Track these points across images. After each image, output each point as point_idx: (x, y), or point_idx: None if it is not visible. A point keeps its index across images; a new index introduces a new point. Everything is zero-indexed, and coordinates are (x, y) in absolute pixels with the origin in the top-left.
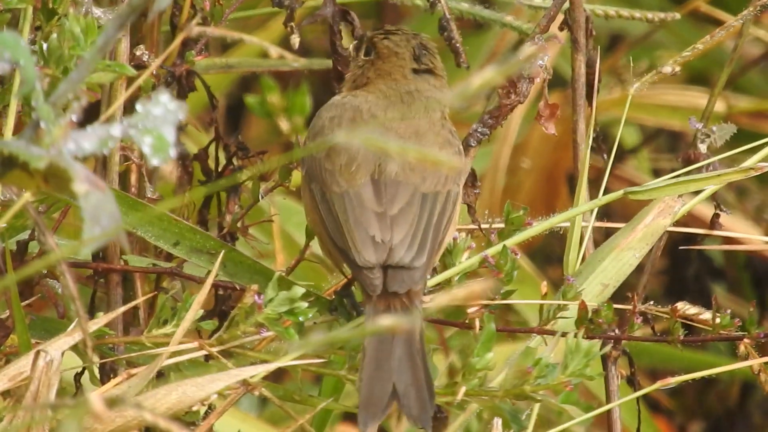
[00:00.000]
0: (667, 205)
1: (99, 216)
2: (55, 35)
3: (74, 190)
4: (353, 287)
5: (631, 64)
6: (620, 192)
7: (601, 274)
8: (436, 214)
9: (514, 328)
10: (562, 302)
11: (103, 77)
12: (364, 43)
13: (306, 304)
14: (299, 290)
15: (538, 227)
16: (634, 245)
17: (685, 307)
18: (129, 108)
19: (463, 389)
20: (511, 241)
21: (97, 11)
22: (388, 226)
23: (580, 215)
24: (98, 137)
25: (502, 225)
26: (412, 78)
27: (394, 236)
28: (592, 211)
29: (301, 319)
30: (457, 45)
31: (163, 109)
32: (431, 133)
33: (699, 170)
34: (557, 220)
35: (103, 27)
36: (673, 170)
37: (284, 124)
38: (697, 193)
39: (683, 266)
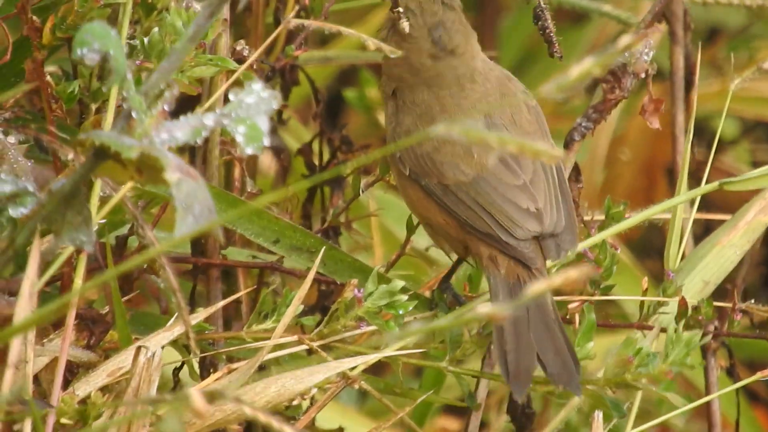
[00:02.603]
0: (767, 202)
1: (191, 204)
2: (156, 29)
3: (166, 179)
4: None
5: (732, 58)
6: (716, 183)
7: (702, 271)
8: (557, 178)
9: (614, 323)
10: (662, 299)
11: (204, 71)
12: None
13: (406, 297)
14: (399, 283)
15: (636, 218)
16: (736, 242)
17: None
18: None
19: None
20: (608, 233)
21: (197, 5)
22: (532, 195)
23: (681, 207)
24: (191, 127)
25: (602, 218)
26: (432, 66)
27: (539, 204)
28: (692, 203)
29: (401, 312)
30: (551, 34)
31: (257, 98)
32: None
33: None
34: (656, 211)
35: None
36: None
37: (382, 118)
38: None
39: None
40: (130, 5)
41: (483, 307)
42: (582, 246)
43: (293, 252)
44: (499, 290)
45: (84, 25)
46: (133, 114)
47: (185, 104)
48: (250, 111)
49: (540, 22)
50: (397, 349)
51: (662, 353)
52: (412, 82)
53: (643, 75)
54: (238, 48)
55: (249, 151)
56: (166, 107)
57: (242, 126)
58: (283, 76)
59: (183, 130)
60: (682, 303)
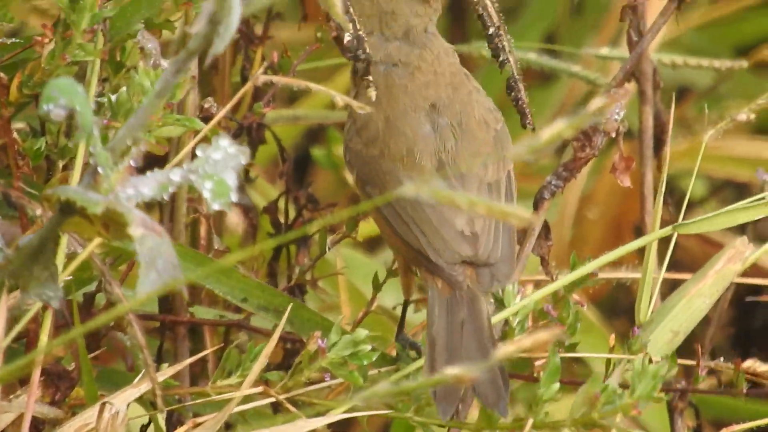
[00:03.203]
0: (737, 251)
1: (155, 260)
2: (124, 88)
3: (130, 234)
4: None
5: (706, 113)
6: (669, 228)
7: (672, 321)
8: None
9: (579, 381)
10: (627, 357)
11: (172, 131)
12: None
13: (369, 347)
14: (362, 333)
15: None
16: (705, 292)
17: (755, 365)
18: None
19: (530, 422)
20: (566, 281)
21: (165, 63)
22: (470, 218)
23: (651, 262)
24: (157, 182)
25: (569, 275)
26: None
27: (476, 230)
28: (661, 262)
29: (365, 362)
30: (524, 106)
31: (224, 154)
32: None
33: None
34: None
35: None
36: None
37: (350, 177)
38: (763, 241)
39: (750, 318)
40: (98, 63)
41: (451, 369)
42: (544, 291)
43: (261, 310)
44: (435, 305)
45: (51, 81)
46: (100, 170)
47: (152, 163)
48: (217, 167)
49: (513, 93)
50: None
51: (630, 387)
52: (367, 23)
53: (613, 134)
54: (206, 105)
55: (216, 206)
56: (132, 163)
57: (209, 182)
58: (249, 134)
59: (149, 185)
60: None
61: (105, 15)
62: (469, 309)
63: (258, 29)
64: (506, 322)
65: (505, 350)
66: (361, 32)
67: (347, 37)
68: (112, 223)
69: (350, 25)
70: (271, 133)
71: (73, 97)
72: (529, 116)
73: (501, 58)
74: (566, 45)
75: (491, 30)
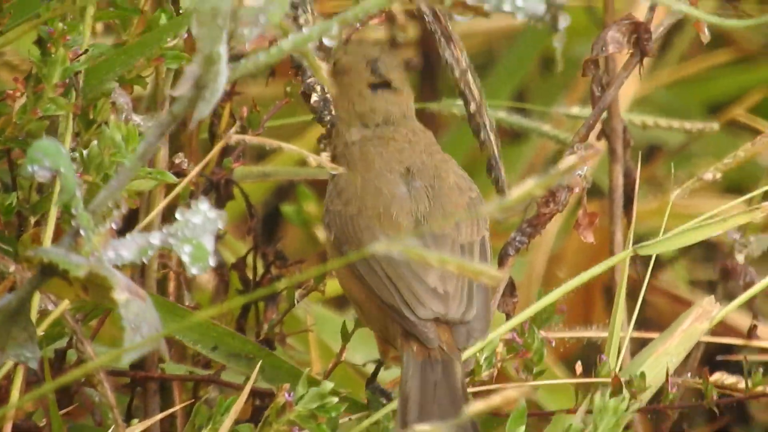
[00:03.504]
0: (704, 311)
1: (140, 324)
2: (95, 142)
3: (114, 299)
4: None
5: (672, 172)
6: (629, 250)
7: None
8: None
9: (545, 412)
10: (596, 380)
11: (143, 185)
12: (331, 60)
13: (336, 399)
14: (328, 385)
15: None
16: (672, 350)
17: (723, 377)
18: (167, 215)
19: None
20: (532, 310)
21: (137, 118)
22: (443, 277)
23: (619, 322)
24: (137, 245)
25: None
26: (369, 96)
27: (448, 289)
28: (629, 321)
29: (333, 414)
30: (504, 186)
31: (203, 218)
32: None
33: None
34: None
35: (144, 135)
36: (710, 281)
37: (321, 233)
38: (731, 300)
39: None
40: (71, 117)
41: (423, 426)
42: (511, 323)
43: (231, 359)
44: (409, 367)
45: (35, 143)
46: (81, 232)
47: (125, 218)
48: (196, 231)
49: (493, 173)
50: None
51: (591, 425)
52: (348, 120)
53: (577, 189)
54: (177, 161)
55: (194, 270)
56: (113, 225)
57: (188, 246)
58: (218, 191)
59: (129, 249)
60: (615, 380)
61: (76, 69)
62: (443, 370)
63: (226, 85)
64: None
65: (475, 408)
66: (327, 94)
67: (314, 98)
68: (93, 286)
69: (318, 87)
70: (239, 189)
71: (57, 159)
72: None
73: (482, 137)
74: (537, 103)
75: (473, 108)
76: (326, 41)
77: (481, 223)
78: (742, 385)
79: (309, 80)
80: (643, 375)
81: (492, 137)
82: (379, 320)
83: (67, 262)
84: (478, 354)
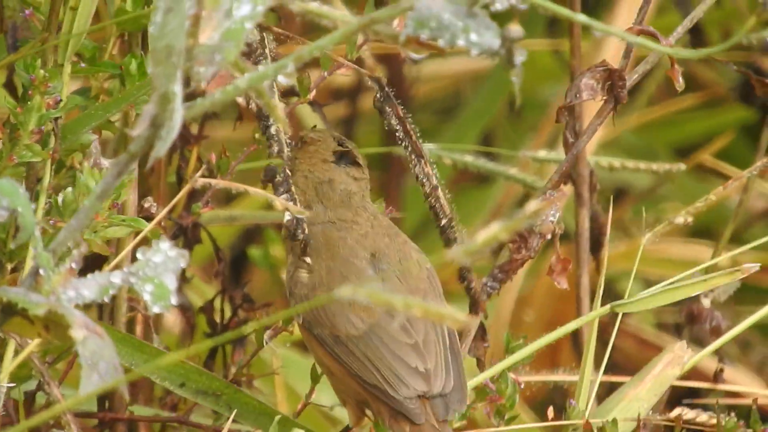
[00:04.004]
0: (676, 356)
1: (97, 362)
2: (70, 189)
3: (72, 336)
4: None
5: (643, 215)
6: (607, 307)
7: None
8: (448, 337)
9: None
10: (566, 423)
11: (117, 231)
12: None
13: None
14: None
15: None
16: (643, 396)
17: (696, 415)
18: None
19: None
20: (506, 364)
21: (105, 162)
22: (422, 355)
23: (588, 367)
24: (98, 285)
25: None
26: (332, 166)
27: (428, 365)
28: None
29: None
30: (476, 295)
31: (164, 257)
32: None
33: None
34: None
35: (123, 182)
36: (676, 324)
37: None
38: (698, 343)
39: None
40: (49, 165)
41: None
42: (483, 375)
43: (199, 395)
44: None
45: None
46: (41, 271)
47: (93, 261)
48: (157, 270)
49: (465, 282)
50: None
51: None
52: (305, 190)
53: (549, 236)
54: (146, 205)
55: (156, 309)
56: (74, 265)
57: (149, 285)
58: (185, 234)
59: (90, 288)
60: (587, 425)
61: (53, 116)
62: None
63: (194, 128)
64: None
65: None
66: (299, 215)
67: (287, 217)
68: (54, 325)
69: (289, 206)
70: (206, 233)
71: (15, 199)
72: (481, 304)
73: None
74: (504, 146)
75: (443, 222)
76: (281, 79)
77: (437, 291)
78: (714, 421)
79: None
80: (615, 421)
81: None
82: (359, 397)
83: (26, 301)
84: None
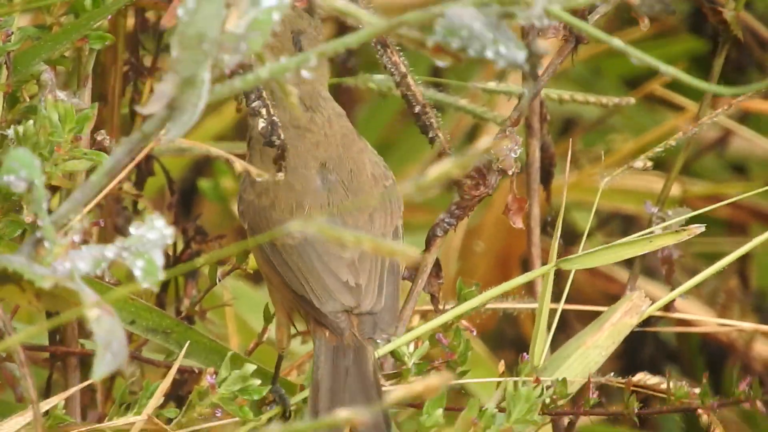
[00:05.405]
0: (634, 305)
1: (111, 342)
2: (31, 122)
3: (85, 314)
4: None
5: (602, 153)
6: (552, 264)
7: (566, 371)
8: (388, 259)
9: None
10: (517, 378)
11: (78, 165)
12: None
13: (259, 382)
14: (250, 367)
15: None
16: (601, 343)
17: (645, 377)
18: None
19: None
20: (455, 312)
21: (61, 94)
22: (356, 270)
23: (547, 299)
24: (93, 258)
25: (455, 306)
26: None
27: (360, 281)
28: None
29: (255, 397)
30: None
31: (158, 234)
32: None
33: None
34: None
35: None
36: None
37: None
38: (653, 276)
39: (638, 349)
40: (1, 97)
41: (342, 412)
42: (434, 323)
43: (149, 333)
44: (321, 353)
45: (11, 152)
46: (46, 243)
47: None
48: (148, 246)
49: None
50: None
51: (506, 412)
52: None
53: (510, 172)
54: (99, 138)
55: (145, 285)
56: (75, 238)
57: (140, 260)
58: (138, 167)
59: (85, 260)
60: (536, 382)
61: (8, 49)
62: (355, 356)
63: (147, 61)
64: (394, 356)
65: (396, 395)
66: (275, 117)
67: (261, 123)
68: (48, 296)
69: (264, 111)
70: (159, 165)
71: (32, 171)
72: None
73: (430, 135)
74: (453, 77)
75: (417, 108)
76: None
77: (395, 213)
78: (663, 386)
79: (254, 104)
80: (564, 381)
81: (441, 136)
82: (291, 305)
83: (31, 273)
84: (406, 357)
